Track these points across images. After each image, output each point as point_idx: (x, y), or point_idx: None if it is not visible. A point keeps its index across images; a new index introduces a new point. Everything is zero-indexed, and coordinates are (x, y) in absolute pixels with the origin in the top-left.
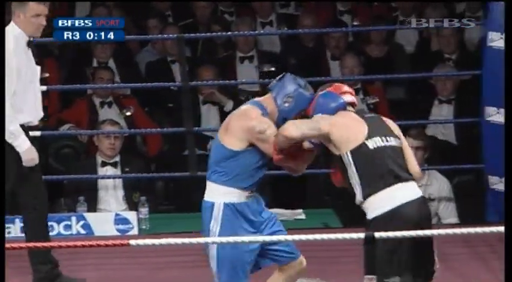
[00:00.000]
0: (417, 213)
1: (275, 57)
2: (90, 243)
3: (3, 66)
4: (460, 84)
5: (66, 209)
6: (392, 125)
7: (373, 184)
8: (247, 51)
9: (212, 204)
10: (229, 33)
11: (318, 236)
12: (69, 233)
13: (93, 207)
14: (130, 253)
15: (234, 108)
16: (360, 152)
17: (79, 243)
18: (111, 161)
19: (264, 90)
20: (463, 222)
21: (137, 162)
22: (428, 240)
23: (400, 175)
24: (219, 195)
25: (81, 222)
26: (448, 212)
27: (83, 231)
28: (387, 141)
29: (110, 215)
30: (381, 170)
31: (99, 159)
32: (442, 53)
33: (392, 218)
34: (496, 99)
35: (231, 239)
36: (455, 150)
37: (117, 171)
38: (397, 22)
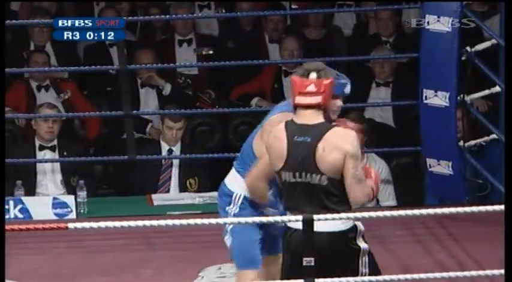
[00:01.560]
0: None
1: (213, 40)
2: (28, 227)
3: (3, 66)
4: (397, 67)
5: None
6: (327, 156)
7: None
8: (185, 34)
9: (232, 193)
10: (167, 16)
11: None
12: (6, 217)
13: (31, 191)
14: (68, 237)
15: (172, 92)
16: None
17: (16, 227)
18: (49, 145)
19: (202, 74)
20: (402, 205)
21: (75, 146)
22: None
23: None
24: (240, 187)
25: (19, 206)
26: (386, 195)
27: (20, 215)
28: (300, 177)
29: (48, 198)
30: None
31: (37, 143)
32: (380, 36)
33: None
34: (434, 81)
35: (185, 222)
36: (393, 133)
37: (55, 155)
38: (335, 5)
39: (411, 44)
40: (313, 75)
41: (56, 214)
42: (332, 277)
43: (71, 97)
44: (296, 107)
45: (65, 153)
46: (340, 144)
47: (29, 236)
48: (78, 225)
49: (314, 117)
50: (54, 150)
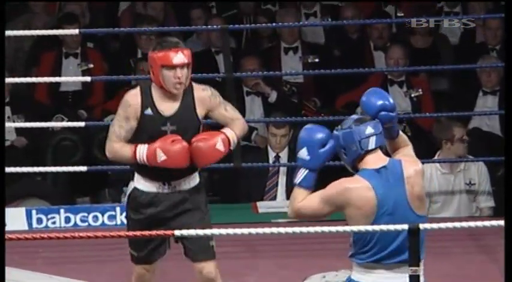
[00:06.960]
0: None
1: (319, 48)
2: (135, 233)
3: (3, 67)
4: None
5: (110, 199)
6: None
7: None
8: (291, 42)
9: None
10: (273, 24)
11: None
12: (113, 223)
13: None
14: (174, 244)
15: (278, 99)
16: None
17: (123, 233)
18: None
19: (308, 81)
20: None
21: None
22: None
23: None
24: None
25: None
26: (484, 197)
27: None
28: None
29: None
30: None
31: None
32: (487, 44)
33: None
34: None
35: (290, 230)
36: (500, 142)
37: None
38: (441, 13)
39: None
40: None
41: None
42: None
43: None
44: None
45: None
46: None
47: None
48: (185, 232)
49: None
50: None
